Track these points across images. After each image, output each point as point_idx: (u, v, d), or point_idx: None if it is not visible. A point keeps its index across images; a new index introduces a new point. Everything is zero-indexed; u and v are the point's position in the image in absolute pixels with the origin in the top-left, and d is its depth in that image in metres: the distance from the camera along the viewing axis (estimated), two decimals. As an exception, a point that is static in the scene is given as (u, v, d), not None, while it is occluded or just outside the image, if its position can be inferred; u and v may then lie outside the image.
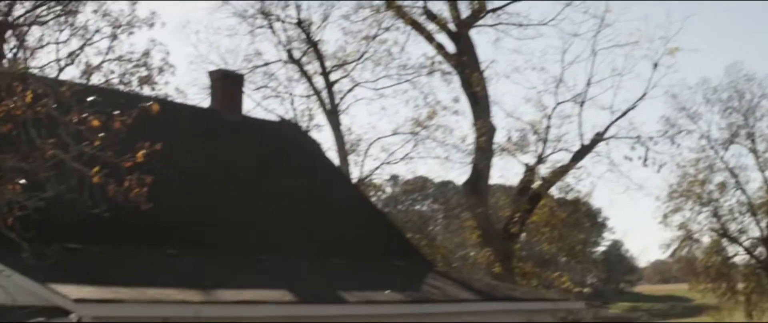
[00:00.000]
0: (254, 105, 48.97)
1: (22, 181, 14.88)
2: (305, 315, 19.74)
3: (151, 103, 15.22)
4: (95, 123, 14.74)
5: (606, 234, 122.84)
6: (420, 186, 71.61)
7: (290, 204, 27.44)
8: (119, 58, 30.97)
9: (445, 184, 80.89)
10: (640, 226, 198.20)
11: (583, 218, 52.72)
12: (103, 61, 28.18)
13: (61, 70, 15.85)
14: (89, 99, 15.07)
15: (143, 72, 31.31)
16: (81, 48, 16.19)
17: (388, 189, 68.48)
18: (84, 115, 14.75)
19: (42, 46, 15.15)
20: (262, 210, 26.38)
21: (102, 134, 14.69)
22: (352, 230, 28.31)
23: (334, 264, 25.42)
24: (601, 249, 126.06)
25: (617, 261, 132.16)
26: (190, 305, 17.57)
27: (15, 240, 15.34)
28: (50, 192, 14.92)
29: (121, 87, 29.43)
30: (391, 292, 22.45)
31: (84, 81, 24.02)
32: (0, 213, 14.74)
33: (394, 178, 63.23)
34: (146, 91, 31.14)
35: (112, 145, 14.67)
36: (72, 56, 15.16)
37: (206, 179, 25.54)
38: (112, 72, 29.64)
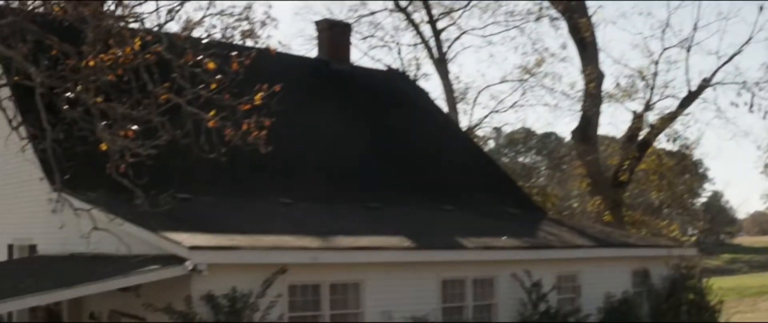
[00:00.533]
0: (361, 55, 48.72)
1: (135, 127, 14.63)
2: (424, 261, 19.33)
3: (267, 46, 14.92)
4: (211, 65, 14.42)
5: (706, 186, 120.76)
6: (523, 138, 70.79)
7: (401, 152, 27.01)
8: (220, 13, 30.59)
9: (548, 136, 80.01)
10: (741, 178, 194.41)
11: (690, 166, 51.47)
12: (204, 16, 27.81)
13: (161, 25, 15.41)
14: (204, 41, 14.74)
15: (245, 26, 30.88)
16: (181, 3, 15.89)
17: (491, 143, 67.76)
18: (199, 58, 14.40)
19: (141, 2, 14.86)
20: (373, 159, 25.99)
21: (218, 76, 14.36)
22: (464, 178, 27.83)
23: (447, 212, 24.97)
24: (702, 200, 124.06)
25: (718, 212, 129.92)
26: (309, 251, 17.28)
27: (128, 188, 15.19)
28: (164, 138, 14.62)
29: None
30: (508, 238, 21.94)
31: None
32: (112, 161, 14.50)
33: (497, 130, 62.47)
34: (249, 44, 30.77)
35: (229, 87, 14.33)
36: (172, 12, 14.91)
37: (316, 128, 25.23)
38: (214, 27, 29.27)
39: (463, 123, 46.16)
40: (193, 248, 15.61)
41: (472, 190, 27.26)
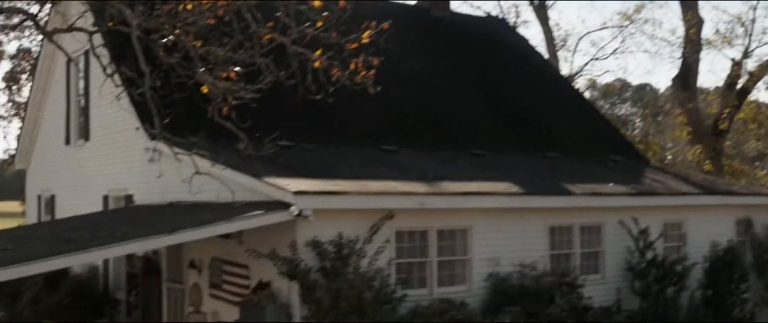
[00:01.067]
0: (460, 2, 47.88)
1: (237, 69, 14.09)
2: (532, 207, 18.67)
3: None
4: (317, 3, 13.79)
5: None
6: (619, 89, 69.64)
7: (503, 100, 26.34)
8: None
9: (643, 87, 78.57)
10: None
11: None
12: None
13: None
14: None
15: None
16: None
17: (587, 94, 66.65)
18: (304, -5, 13.81)
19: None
20: (476, 106, 25.36)
21: (325, 13, 13.74)
22: (567, 125, 27.07)
23: (551, 159, 24.27)
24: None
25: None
26: (416, 196, 16.68)
27: (229, 135, 14.71)
28: (268, 80, 14.06)
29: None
30: (615, 185, 21.18)
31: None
32: (214, 103, 13.98)
33: (592, 82, 61.32)
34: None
35: (335, 25, 13.72)
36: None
37: (418, 75, 24.66)
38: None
39: (564, 70, 45.18)
40: (298, 193, 15.07)
41: (576, 138, 26.49)
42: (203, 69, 13.99)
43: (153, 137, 18.60)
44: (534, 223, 18.92)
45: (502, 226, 18.34)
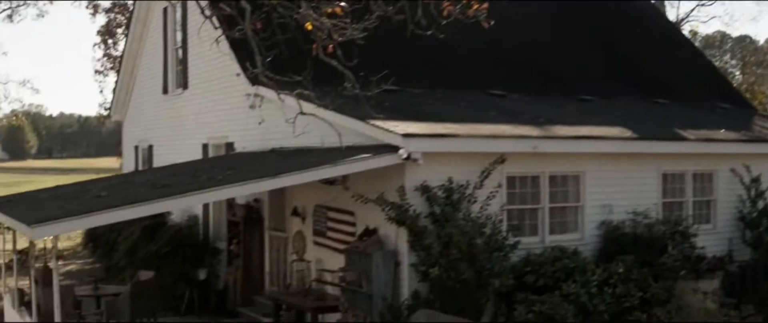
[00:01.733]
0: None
1: (343, 4, 13.49)
2: (645, 152, 17.85)
3: None
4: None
5: None
6: (719, 40, 67.99)
7: (610, 43, 25.42)
8: None
9: (743, 39, 76.64)
10: None
11: None
12: None
13: None
14: None
15: None
16: None
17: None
18: None
19: None
20: (582, 51, 24.52)
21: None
22: (675, 71, 26.08)
23: (661, 105, 23.40)
24: None
25: None
26: (528, 139, 16.01)
27: (333, 77, 14.17)
28: (376, 15, 13.44)
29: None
30: (726, 131, 20.28)
31: None
32: (319, 40, 13.40)
33: (693, 34, 59.74)
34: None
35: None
36: None
37: (524, 19, 23.88)
38: None
39: (670, 17, 43.80)
40: (407, 135, 14.48)
41: (684, 84, 25.55)
42: (307, 5, 13.40)
43: (254, 82, 18.19)
44: (647, 169, 18.13)
45: (614, 172, 17.59)
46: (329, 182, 16.48)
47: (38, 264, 18.70)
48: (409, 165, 14.74)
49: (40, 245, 23.53)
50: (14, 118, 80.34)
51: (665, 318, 15.29)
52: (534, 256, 15.65)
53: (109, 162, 72.95)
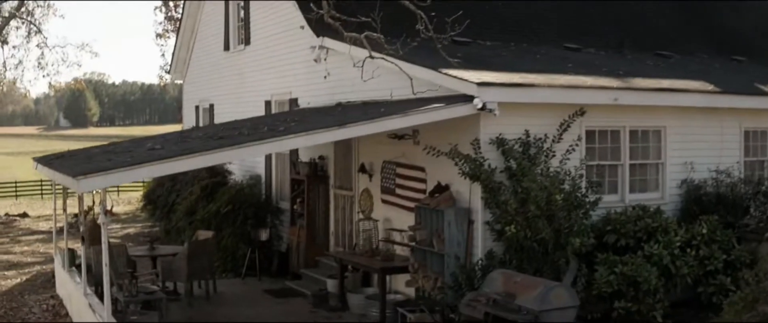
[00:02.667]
0: None
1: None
2: (727, 107, 16.83)
3: None
4: None
5: None
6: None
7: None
8: None
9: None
10: None
11: None
12: None
13: None
14: None
15: None
16: None
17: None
18: None
19: None
20: (658, 5, 23.45)
21: None
22: (754, 29, 24.94)
23: (740, 62, 22.38)
24: None
25: None
26: (609, 90, 15.09)
27: (406, 19, 13.36)
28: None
29: None
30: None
31: None
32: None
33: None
34: None
35: None
36: None
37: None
38: None
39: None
40: (482, 84, 13.64)
41: (763, 42, 24.34)
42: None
43: (319, 32, 17.51)
44: (728, 126, 17.14)
45: (695, 128, 16.64)
46: (398, 137, 15.75)
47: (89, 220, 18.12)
48: (484, 117, 13.93)
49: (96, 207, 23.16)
50: (75, 83, 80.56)
51: (753, 282, 14.35)
52: (615, 215, 14.78)
53: (171, 129, 73.02)
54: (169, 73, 33.52)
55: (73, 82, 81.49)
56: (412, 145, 15.64)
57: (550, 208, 13.74)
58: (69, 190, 14.76)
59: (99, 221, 12.19)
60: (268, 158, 22.37)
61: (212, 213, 20.91)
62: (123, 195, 55.64)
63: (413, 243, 14.94)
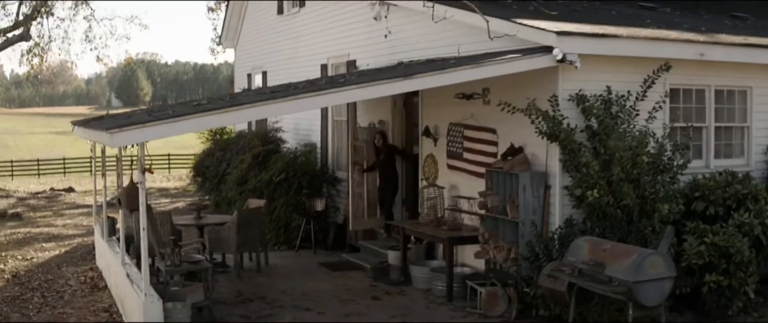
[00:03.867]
0: None
1: None
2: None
3: None
4: None
5: None
6: None
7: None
8: None
9: None
10: None
11: None
12: None
13: None
14: None
15: None
16: None
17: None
18: None
19: None
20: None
21: None
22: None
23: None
24: None
25: None
26: (695, 44, 13.77)
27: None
28: None
29: None
30: None
31: None
32: None
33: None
34: None
35: None
36: None
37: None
38: None
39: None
40: (562, 33, 12.43)
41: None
42: None
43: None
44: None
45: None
46: (466, 96, 14.62)
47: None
48: (563, 71, 12.75)
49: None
50: (126, 60, 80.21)
51: None
52: (704, 180, 13.57)
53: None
54: (220, 44, 32.57)
55: (124, 61, 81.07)
56: (482, 105, 14.48)
57: (636, 171, 12.51)
58: (109, 157, 13.69)
59: (136, 180, 11.07)
60: (324, 125, 21.31)
61: (264, 182, 19.82)
62: (174, 171, 55.05)
63: (484, 211, 13.75)
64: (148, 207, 15.80)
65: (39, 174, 57.12)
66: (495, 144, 14.27)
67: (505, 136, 13.92)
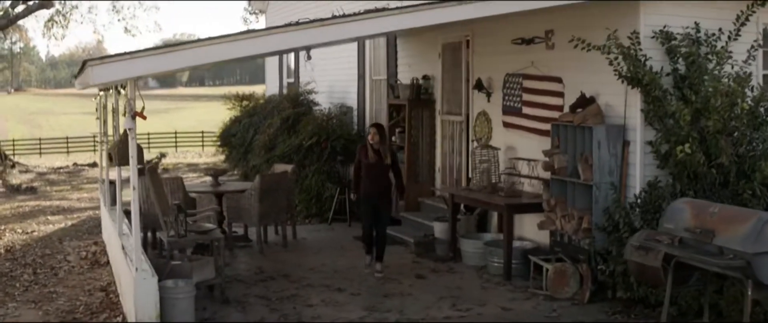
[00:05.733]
0: None
1: None
2: None
3: None
4: None
5: None
6: None
7: None
8: None
9: None
10: None
11: None
12: None
13: None
14: None
15: None
16: None
17: None
18: None
19: None
20: None
21: None
22: None
23: None
24: None
25: None
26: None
27: None
28: None
29: None
30: None
31: None
32: None
33: None
34: None
35: None
36: None
37: None
38: None
39: None
40: None
41: None
42: None
43: None
44: None
45: None
46: (526, 41, 12.57)
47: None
48: (645, 4, 10.60)
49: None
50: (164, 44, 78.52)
51: None
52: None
53: (262, 90, 70.51)
54: (252, 13, 30.63)
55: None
56: (545, 51, 12.32)
57: (733, 124, 10.30)
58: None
59: (125, 126, 8.95)
60: (361, 85, 19.18)
61: (294, 147, 17.76)
62: (208, 149, 53.39)
63: (549, 173, 11.58)
64: (152, 168, 13.74)
65: (68, 152, 55.61)
66: (560, 95, 12.11)
67: (573, 86, 11.74)
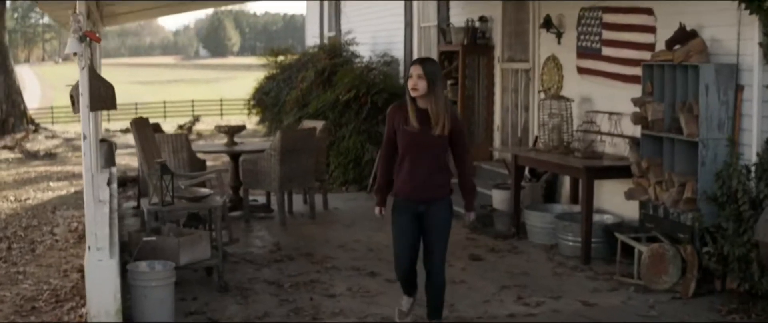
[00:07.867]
0: None
1: None
2: None
3: None
4: None
5: None
6: None
7: None
8: None
9: None
10: None
11: None
12: None
13: None
14: None
15: None
16: None
17: None
18: None
19: None
20: None
21: None
22: None
23: None
24: None
25: None
26: None
27: None
28: None
29: None
30: None
31: None
32: None
33: None
34: None
35: None
36: None
37: None
38: None
39: None
40: None
41: None
42: None
43: None
44: None
45: None
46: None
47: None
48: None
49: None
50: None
51: None
52: None
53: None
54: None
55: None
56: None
57: None
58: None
59: (68, 50, 6.56)
60: (408, 33, 16.87)
61: (329, 103, 15.44)
62: (254, 117, 51.67)
63: (641, 126, 9.15)
64: (139, 119, 11.50)
65: (108, 120, 54.04)
66: (652, 30, 9.69)
67: (667, 19, 9.34)
